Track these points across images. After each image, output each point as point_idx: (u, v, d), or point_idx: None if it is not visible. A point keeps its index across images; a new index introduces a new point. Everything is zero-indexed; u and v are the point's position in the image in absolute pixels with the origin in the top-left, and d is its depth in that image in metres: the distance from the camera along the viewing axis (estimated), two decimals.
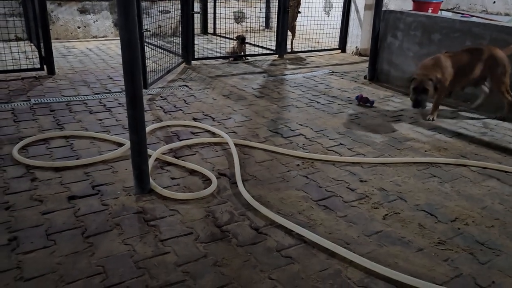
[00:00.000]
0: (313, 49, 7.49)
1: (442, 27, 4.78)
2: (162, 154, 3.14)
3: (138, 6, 4.45)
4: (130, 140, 2.57)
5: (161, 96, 4.63)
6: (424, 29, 4.97)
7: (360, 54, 7.20)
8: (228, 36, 7.81)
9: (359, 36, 7.16)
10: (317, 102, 4.63)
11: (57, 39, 7.42)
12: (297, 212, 2.49)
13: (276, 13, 6.73)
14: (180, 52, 6.17)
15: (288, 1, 6.65)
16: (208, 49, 7.16)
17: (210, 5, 8.53)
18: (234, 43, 6.69)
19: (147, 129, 3.42)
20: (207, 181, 2.81)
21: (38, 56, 5.27)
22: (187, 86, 5.07)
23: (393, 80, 5.45)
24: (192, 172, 2.94)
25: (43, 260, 2.00)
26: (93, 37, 7.84)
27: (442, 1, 6.65)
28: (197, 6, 8.12)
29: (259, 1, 8.98)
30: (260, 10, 9.10)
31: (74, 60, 6.14)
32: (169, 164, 3.05)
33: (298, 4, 7.09)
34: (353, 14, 7.21)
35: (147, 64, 4.76)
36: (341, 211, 2.52)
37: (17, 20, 6.79)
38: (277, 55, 6.90)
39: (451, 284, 1.96)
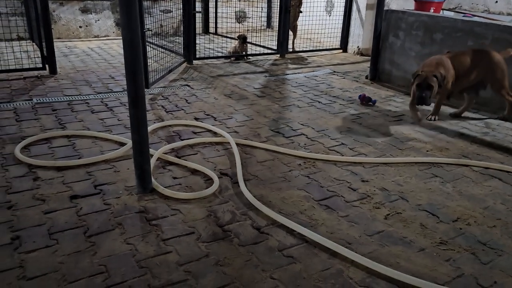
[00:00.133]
0: (314, 48, 7.49)
1: (444, 27, 4.77)
2: (164, 153, 3.15)
3: (140, 5, 4.46)
4: (132, 140, 2.57)
5: (162, 96, 4.64)
6: (426, 28, 4.96)
7: (362, 54, 7.20)
8: (230, 36, 7.81)
9: (361, 35, 7.16)
10: (319, 102, 4.63)
11: (59, 38, 7.43)
12: (298, 212, 2.49)
13: (278, 13, 6.73)
14: (182, 51, 6.18)
15: (290, 1, 6.65)
16: (209, 48, 7.16)
17: (211, 4, 8.54)
18: (235, 43, 6.69)
19: (149, 128, 3.42)
20: (209, 180, 2.82)
21: (40, 55, 5.27)
22: (188, 85, 5.08)
23: (394, 80, 5.44)
24: (194, 171, 2.94)
25: (46, 259, 2.01)
26: (95, 37, 7.85)
27: (444, 0, 6.64)
28: (198, 6, 8.12)
29: (261, 1, 8.98)
30: (262, 9, 9.10)
31: (76, 59, 6.15)
32: (171, 163, 3.05)
33: (300, 3, 7.09)
34: (354, 14, 7.21)
35: (148, 64, 4.76)
36: (342, 211, 2.52)
37: (19, 19, 6.80)
38: (278, 55, 6.90)
39: (453, 284, 1.96)
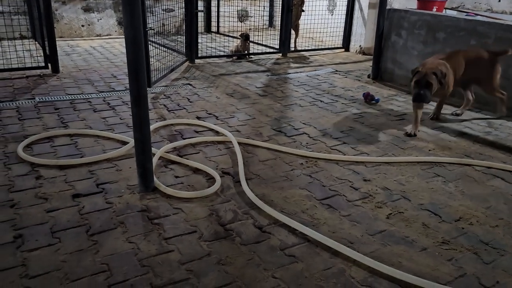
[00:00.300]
0: (316, 47, 7.48)
1: (446, 26, 4.76)
2: (166, 152, 3.15)
3: (143, 4, 4.46)
4: (134, 138, 2.57)
5: (164, 95, 4.64)
6: (429, 27, 4.95)
7: (364, 53, 7.18)
8: (232, 35, 7.81)
9: (363, 34, 7.15)
10: (321, 101, 4.62)
11: (61, 37, 7.44)
12: (300, 211, 2.49)
13: (280, 12, 6.72)
14: (184, 50, 6.18)
15: (292, 0, 6.64)
16: (211, 47, 7.16)
17: (213, 3, 8.53)
18: (238, 42, 6.69)
19: (151, 127, 3.41)
20: (210, 179, 2.82)
21: (42, 54, 5.29)
22: (190, 84, 5.08)
23: (397, 79, 5.43)
24: (196, 170, 2.94)
25: (48, 258, 2.01)
26: (97, 36, 7.86)
27: None
28: (200, 5, 8.12)
29: (263, 0, 8.97)
30: (264, 8, 9.10)
31: (78, 58, 6.16)
32: (173, 162, 3.05)
33: (302, 2, 7.09)
34: (357, 13, 7.19)
35: (151, 63, 4.77)
36: (344, 210, 2.51)
37: (21, 18, 6.82)
38: (280, 54, 6.90)
39: (455, 283, 1.95)
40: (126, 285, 1.87)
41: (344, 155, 3.27)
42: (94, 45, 7.18)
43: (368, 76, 5.71)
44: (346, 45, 7.44)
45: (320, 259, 2.08)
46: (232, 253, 2.10)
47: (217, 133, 3.61)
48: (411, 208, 2.56)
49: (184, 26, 6.12)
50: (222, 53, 6.81)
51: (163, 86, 4.97)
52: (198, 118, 3.96)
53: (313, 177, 2.90)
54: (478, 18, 5.25)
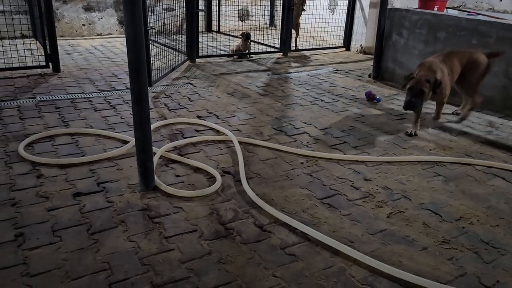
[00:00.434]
0: (317, 47, 7.48)
1: (448, 25, 4.76)
2: (167, 151, 3.15)
3: (144, 3, 4.46)
4: (135, 138, 2.58)
5: (165, 94, 4.64)
6: (430, 27, 4.94)
7: (365, 52, 7.18)
8: (233, 34, 7.81)
9: (364, 34, 7.14)
10: (321, 100, 4.62)
11: (62, 36, 7.44)
12: (301, 210, 2.49)
13: (281, 11, 6.72)
14: (185, 50, 6.18)
15: None
16: (212, 47, 7.16)
17: (214, 2, 8.53)
18: (238, 41, 6.68)
19: (152, 126, 3.42)
20: (211, 178, 2.82)
21: (43, 53, 5.30)
22: (191, 84, 5.08)
23: (398, 78, 5.42)
24: (197, 169, 2.95)
25: (49, 256, 2.02)
26: (98, 35, 7.86)
27: None
28: (201, 4, 8.12)
29: None
30: (265, 8, 9.09)
31: (79, 57, 6.17)
32: (174, 161, 3.06)
33: (303, 2, 7.08)
34: (358, 12, 7.19)
35: (151, 62, 4.77)
36: (345, 210, 2.52)
37: (22, 17, 6.82)
38: (281, 53, 6.89)
39: (456, 283, 1.95)
40: (127, 284, 1.87)
41: (345, 154, 3.27)
42: (95, 44, 7.18)
43: (369, 76, 5.70)
44: (347, 44, 7.44)
45: (320, 258, 2.08)
46: (232, 252, 2.10)
47: (217, 132, 3.62)
48: (411, 208, 2.56)
49: (185, 25, 6.13)
50: (223, 53, 6.81)
51: (164, 85, 4.98)
52: (198, 117, 3.96)
53: (313, 177, 2.90)
54: (480, 17, 5.24)
